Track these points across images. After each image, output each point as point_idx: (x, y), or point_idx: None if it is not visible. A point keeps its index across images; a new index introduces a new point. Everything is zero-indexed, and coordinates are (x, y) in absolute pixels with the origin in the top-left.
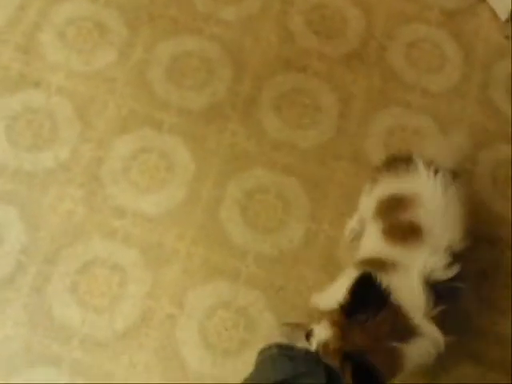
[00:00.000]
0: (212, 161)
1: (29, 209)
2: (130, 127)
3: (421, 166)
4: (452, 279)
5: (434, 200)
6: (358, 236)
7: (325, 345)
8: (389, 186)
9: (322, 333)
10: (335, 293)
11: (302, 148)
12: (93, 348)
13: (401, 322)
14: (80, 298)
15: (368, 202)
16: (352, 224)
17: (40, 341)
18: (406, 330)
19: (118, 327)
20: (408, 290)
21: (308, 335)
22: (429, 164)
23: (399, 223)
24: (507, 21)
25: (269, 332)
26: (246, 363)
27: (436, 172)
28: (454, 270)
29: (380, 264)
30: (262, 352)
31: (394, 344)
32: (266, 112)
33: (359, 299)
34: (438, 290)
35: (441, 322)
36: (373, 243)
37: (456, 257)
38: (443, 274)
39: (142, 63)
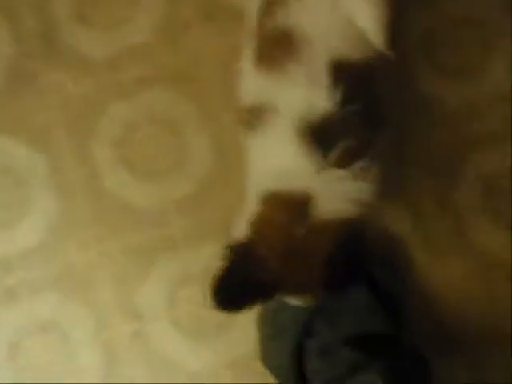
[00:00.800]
0: (54, 137)
1: None
2: None
3: None
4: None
5: None
6: None
7: None
8: None
9: None
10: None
11: (141, 47)
12: None
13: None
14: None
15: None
16: None
17: None
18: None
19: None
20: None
21: None
22: None
23: (271, 38)
24: None
25: None
26: (249, 319)
27: None
28: (336, 96)
29: (257, 114)
30: None
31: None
32: (72, 34)
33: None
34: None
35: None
36: (247, 79)
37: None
38: (325, 105)
39: None
